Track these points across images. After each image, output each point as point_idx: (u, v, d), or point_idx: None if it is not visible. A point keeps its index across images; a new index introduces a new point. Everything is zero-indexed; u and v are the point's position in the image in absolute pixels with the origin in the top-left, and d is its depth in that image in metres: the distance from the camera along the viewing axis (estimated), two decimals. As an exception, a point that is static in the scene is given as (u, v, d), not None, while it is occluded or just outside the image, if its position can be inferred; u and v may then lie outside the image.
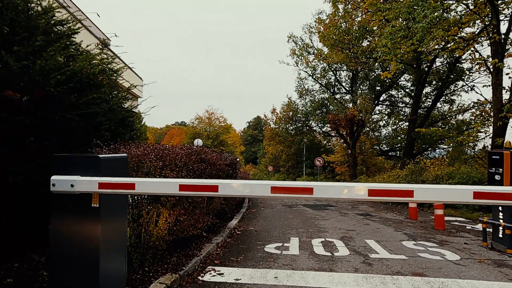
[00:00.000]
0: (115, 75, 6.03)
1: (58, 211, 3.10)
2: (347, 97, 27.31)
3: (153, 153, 4.09)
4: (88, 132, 5.00)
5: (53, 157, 3.13)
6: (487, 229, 6.61)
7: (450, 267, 5.07)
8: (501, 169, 5.93)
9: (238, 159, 11.65)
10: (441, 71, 20.60)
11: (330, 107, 26.92)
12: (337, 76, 27.65)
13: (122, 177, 3.02)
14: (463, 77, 20.16)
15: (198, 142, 21.74)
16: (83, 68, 4.44)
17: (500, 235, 6.07)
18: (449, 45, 13.69)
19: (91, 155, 3.04)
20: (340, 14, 21.16)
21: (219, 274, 4.67)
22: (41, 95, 3.98)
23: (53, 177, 2.97)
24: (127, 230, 3.54)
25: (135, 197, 4.16)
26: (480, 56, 14.70)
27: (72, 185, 2.89)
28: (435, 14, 11.15)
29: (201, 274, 4.63)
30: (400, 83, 23.97)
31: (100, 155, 3.04)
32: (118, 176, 3.31)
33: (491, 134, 12.73)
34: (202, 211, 5.58)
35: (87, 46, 5.93)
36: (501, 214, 6.07)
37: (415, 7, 11.77)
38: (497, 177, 6.03)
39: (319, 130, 30.72)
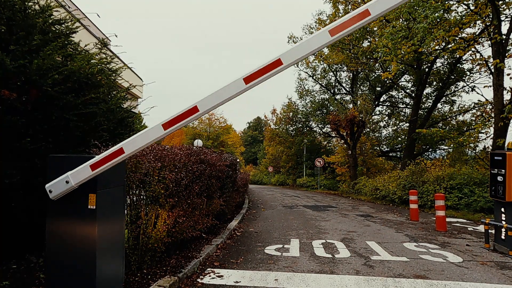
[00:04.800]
0: (114, 75, 5.98)
1: (54, 213, 3.04)
2: (348, 97, 27.23)
3: (152, 153, 4.03)
4: (86, 133, 4.95)
5: (48, 158, 3.08)
6: (489, 231, 6.53)
7: (453, 270, 5.00)
8: (503, 170, 5.87)
9: (238, 160, 11.60)
10: (442, 71, 20.51)
11: (331, 107, 26.81)
12: (337, 77, 27.58)
13: (111, 149, 2.89)
14: (463, 78, 20.07)
15: (198, 142, 21.67)
16: (81, 68, 4.39)
17: (503, 237, 6.01)
18: (449, 46, 13.64)
19: (87, 156, 2.98)
20: (340, 14, 21.11)
21: (219, 277, 4.61)
22: (37, 94, 3.92)
23: (47, 185, 2.92)
24: (124, 231, 3.48)
25: (133, 198, 4.11)
26: (481, 57, 14.63)
27: (67, 182, 2.84)
28: (436, 14, 11.08)
29: (201, 277, 4.57)
30: (400, 83, 23.88)
31: (97, 156, 2.98)
32: (116, 179, 3.26)
33: (492, 135, 12.66)
34: (202, 212, 5.52)
35: (85, 46, 5.89)
36: (503, 215, 6.01)
37: (416, 7, 11.72)
38: (499, 178, 5.97)
39: (319, 130, 30.61)
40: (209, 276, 4.62)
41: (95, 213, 2.93)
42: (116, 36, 12.38)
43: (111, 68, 6.03)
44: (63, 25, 4.87)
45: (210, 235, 6.86)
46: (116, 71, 6.00)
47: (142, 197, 4.08)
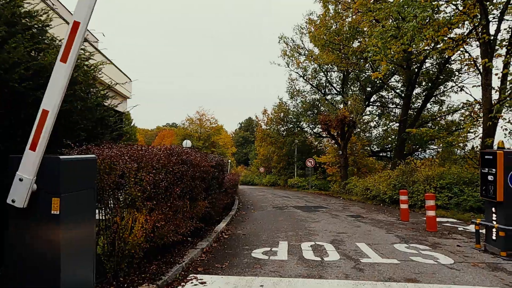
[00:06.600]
0: (92, 71, 5.68)
1: (15, 219, 2.78)
2: (338, 98, 27.23)
3: (127, 154, 3.77)
4: (59, 132, 4.66)
5: (9, 159, 2.81)
6: (480, 231, 6.43)
7: (444, 272, 4.86)
8: (494, 170, 5.77)
9: (229, 161, 11.37)
10: (431, 72, 20.63)
11: (321, 108, 26.73)
12: (328, 77, 27.55)
13: (36, 119, 2.71)
14: (452, 78, 20.23)
15: (187, 143, 21.33)
16: (53, 63, 4.10)
17: (494, 237, 5.91)
18: (439, 46, 13.64)
19: (51, 157, 2.72)
20: (330, 14, 21.05)
21: (202, 283, 4.37)
22: (2, 90, 3.63)
23: (9, 198, 2.67)
24: (94, 236, 3.23)
25: (108, 201, 3.84)
26: (470, 57, 14.70)
27: (20, 179, 2.59)
28: (425, 13, 11.04)
29: (182, 284, 4.33)
30: (390, 84, 23.96)
31: (61, 156, 2.73)
32: (84, 181, 3.01)
33: (481, 135, 12.69)
34: (185, 215, 5.27)
35: (61, 40, 5.59)
36: (494, 215, 5.91)
37: (405, 6, 11.66)
38: (490, 177, 5.87)
39: (310, 131, 30.55)
40: (191, 283, 4.38)
41: (59, 219, 2.68)
42: (103, 35, 11.96)
43: (89, 65, 5.74)
44: (35, 18, 4.58)
45: (196, 238, 6.61)
46: (95, 68, 5.71)
47: (117, 200, 3.82)
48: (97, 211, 3.76)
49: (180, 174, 4.72)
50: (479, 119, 15.13)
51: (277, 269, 4.99)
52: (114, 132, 7.37)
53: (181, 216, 5.06)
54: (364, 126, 27.53)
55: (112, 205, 3.80)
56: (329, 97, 27.79)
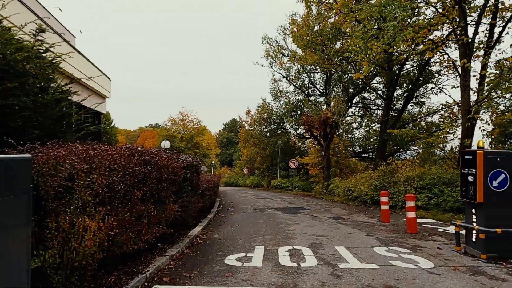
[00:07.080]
0: (48, 66, 5.20)
1: None
2: (321, 99, 27.17)
3: (76, 154, 3.35)
4: (5, 129, 4.17)
5: None
6: (460, 232, 6.30)
7: (424, 277, 4.64)
8: (474, 170, 5.63)
9: (212, 162, 10.95)
10: (412, 74, 20.85)
11: (305, 109, 26.63)
12: (311, 78, 27.47)
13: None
14: (432, 80, 20.50)
15: (166, 143, 20.73)
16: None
17: (474, 240, 5.77)
18: (419, 47, 13.70)
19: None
20: (313, 15, 20.96)
21: (165, 296, 3.98)
22: None
23: None
24: (30, 248, 2.79)
25: (57, 208, 3.39)
26: (449, 58, 14.86)
27: None
28: (405, 13, 11.00)
29: (143, 297, 3.93)
30: (372, 85, 24.10)
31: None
32: (13, 186, 2.58)
33: (459, 136, 12.78)
34: (151, 221, 4.85)
35: (24, 26, 5.09)
36: (474, 217, 5.77)
37: (385, 6, 11.61)
38: (470, 178, 5.73)
39: (293, 132, 30.44)
40: (153, 295, 3.98)
41: (-23, 230, 2.25)
42: (81, 32, 11.43)
43: (46, 56, 5.26)
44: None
45: (167, 244, 6.20)
46: (52, 60, 5.22)
47: (65, 206, 3.39)
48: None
49: (143, 176, 4.31)
50: (458, 120, 15.32)
51: (250, 277, 4.65)
52: (81, 132, 6.86)
53: (146, 222, 4.65)
54: (346, 127, 27.60)
55: (59, 211, 3.36)
56: (312, 98, 27.71)
